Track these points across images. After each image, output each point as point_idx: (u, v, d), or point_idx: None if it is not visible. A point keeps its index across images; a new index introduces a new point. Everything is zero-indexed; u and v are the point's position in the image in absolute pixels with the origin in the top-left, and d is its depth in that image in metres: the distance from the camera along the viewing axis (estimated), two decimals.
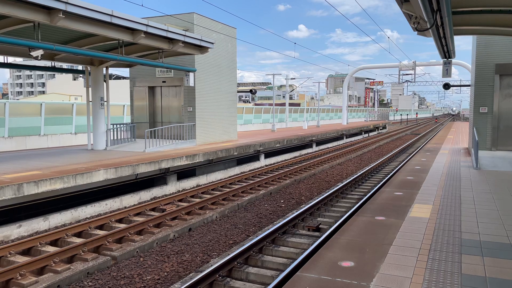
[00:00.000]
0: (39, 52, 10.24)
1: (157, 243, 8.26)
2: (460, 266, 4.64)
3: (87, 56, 13.69)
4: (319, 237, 7.98)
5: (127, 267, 7.15)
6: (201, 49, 15.26)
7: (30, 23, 10.05)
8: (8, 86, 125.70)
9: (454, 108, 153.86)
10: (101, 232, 8.64)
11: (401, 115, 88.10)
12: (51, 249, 7.65)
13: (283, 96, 49.98)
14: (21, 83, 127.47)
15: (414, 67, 39.38)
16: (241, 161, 17.37)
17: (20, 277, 6.32)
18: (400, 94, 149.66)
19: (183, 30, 14.52)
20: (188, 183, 13.76)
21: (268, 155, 19.50)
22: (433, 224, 6.29)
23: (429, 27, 8.07)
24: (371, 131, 41.24)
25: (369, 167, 17.03)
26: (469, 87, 19.95)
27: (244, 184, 13.69)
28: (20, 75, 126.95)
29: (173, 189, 13.05)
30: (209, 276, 6.16)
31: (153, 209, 10.60)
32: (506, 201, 7.80)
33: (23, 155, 13.40)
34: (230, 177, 15.38)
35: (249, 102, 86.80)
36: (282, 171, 16.22)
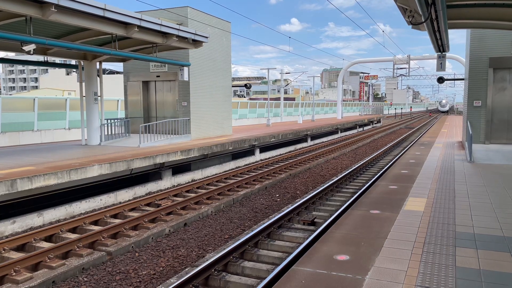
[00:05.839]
0: (31, 47, 10.13)
1: (152, 238, 8.25)
2: (455, 259, 4.68)
3: (80, 51, 13.59)
4: (314, 231, 8.01)
5: (122, 262, 7.14)
6: (195, 43, 15.16)
7: (22, 17, 9.93)
8: (0, 81, 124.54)
9: (443, 101, 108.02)
10: (96, 228, 8.61)
11: (395, 109, 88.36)
12: (46, 245, 7.62)
13: (278, 91, 49.96)
14: (13, 78, 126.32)
15: (408, 61, 39.46)
16: (236, 155, 17.36)
17: (14, 273, 6.28)
18: (395, 88, 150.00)
19: (177, 24, 14.42)
20: (183, 178, 13.73)
21: (263, 149, 19.50)
22: (427, 217, 6.33)
23: (423, 20, 8.07)
24: (365, 125, 41.34)
25: (364, 161, 17.08)
26: (463, 81, 20.03)
27: (240, 178, 13.69)
28: (12, 70, 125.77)
29: (168, 184, 13.02)
30: (204, 270, 6.16)
31: (148, 204, 10.58)
32: (500, 194, 7.86)
33: (17, 151, 13.30)
34: (225, 172, 15.37)
35: (244, 97, 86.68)
36: (277, 165, 16.23)
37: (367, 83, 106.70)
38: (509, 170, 10.48)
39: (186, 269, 6.57)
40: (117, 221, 9.09)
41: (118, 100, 21.92)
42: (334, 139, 29.43)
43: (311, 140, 25.55)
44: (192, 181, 13.90)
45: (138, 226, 8.85)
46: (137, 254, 7.52)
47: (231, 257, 6.78)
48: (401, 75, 46.81)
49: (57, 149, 13.73)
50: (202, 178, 14.15)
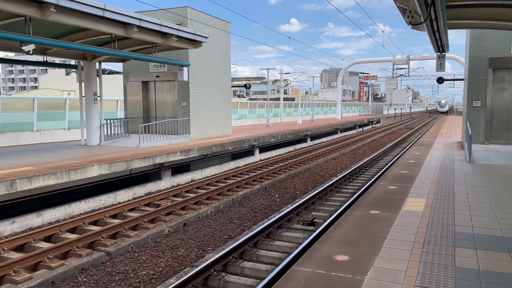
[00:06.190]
0: (30, 47, 10.13)
1: (152, 238, 8.25)
2: (454, 259, 4.67)
3: (80, 51, 13.58)
4: (314, 231, 8.01)
5: (121, 262, 7.13)
6: (195, 43, 15.16)
7: (22, 17, 9.92)
8: None
9: (443, 101, 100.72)
10: (96, 228, 8.60)
11: (395, 109, 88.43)
12: (45, 245, 7.61)
13: (278, 91, 49.97)
14: (13, 78, 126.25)
15: (407, 61, 39.47)
16: (235, 156, 17.36)
17: (13, 274, 6.28)
18: (394, 88, 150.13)
19: (177, 24, 14.42)
20: (183, 178, 13.73)
21: (263, 149, 19.50)
22: (427, 217, 6.33)
23: (423, 21, 8.07)
24: (365, 125, 41.35)
25: (364, 161, 17.08)
26: (463, 81, 20.04)
27: (239, 179, 13.68)
28: (12, 70, 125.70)
29: (167, 184, 13.02)
30: (204, 271, 6.16)
31: (147, 205, 10.57)
32: (499, 194, 7.86)
33: (16, 151, 13.29)
34: (225, 172, 15.37)
35: (244, 97, 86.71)
36: (277, 165, 16.23)
37: (366, 83, 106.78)
38: (509, 170, 10.48)
39: (186, 269, 6.56)
40: (117, 221, 9.09)
41: (117, 100, 21.92)
42: (333, 139, 29.43)
43: (310, 140, 25.55)
44: (191, 181, 13.89)
45: (138, 226, 8.84)
46: (136, 254, 7.51)
47: (231, 257, 6.78)
48: (400, 75, 46.85)
49: (57, 149, 13.72)
50: (202, 178, 14.14)
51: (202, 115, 17.95)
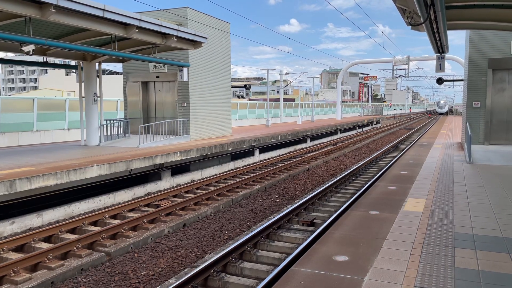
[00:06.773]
0: (30, 47, 10.13)
1: (151, 239, 8.25)
2: (453, 259, 4.68)
3: (80, 51, 13.59)
4: (314, 231, 8.01)
5: (121, 263, 7.13)
6: (195, 44, 15.17)
7: (21, 17, 9.93)
8: None
9: (442, 102, 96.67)
10: (95, 228, 8.60)
11: (394, 109, 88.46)
12: (45, 245, 7.61)
13: (277, 91, 49.99)
14: (13, 79, 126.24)
15: (407, 61, 39.49)
16: (235, 156, 17.36)
17: (13, 274, 6.28)
18: (394, 89, 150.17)
19: (177, 25, 14.42)
20: (183, 179, 13.73)
21: (263, 150, 19.50)
22: (426, 218, 6.33)
23: (422, 21, 8.07)
24: (365, 126, 41.36)
25: (363, 162, 17.08)
26: (462, 81, 20.05)
27: (239, 179, 13.69)
28: (11, 71, 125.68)
29: (167, 184, 13.02)
30: (203, 271, 6.16)
31: (147, 205, 10.57)
32: (499, 195, 7.86)
33: (16, 151, 13.29)
34: (224, 172, 15.37)
35: (244, 97, 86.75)
36: (277, 166, 16.23)
37: (366, 84, 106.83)
38: (508, 171, 10.49)
39: (185, 270, 6.56)
40: (116, 221, 9.09)
41: (117, 101, 21.92)
42: (333, 140, 29.43)
43: (310, 140, 25.55)
44: (191, 181, 13.89)
45: (137, 226, 8.85)
46: (136, 254, 7.51)
47: (230, 258, 6.78)
48: (400, 76, 46.89)
49: (57, 150, 13.72)
50: (202, 179, 14.14)
51: (202, 115, 17.95)
